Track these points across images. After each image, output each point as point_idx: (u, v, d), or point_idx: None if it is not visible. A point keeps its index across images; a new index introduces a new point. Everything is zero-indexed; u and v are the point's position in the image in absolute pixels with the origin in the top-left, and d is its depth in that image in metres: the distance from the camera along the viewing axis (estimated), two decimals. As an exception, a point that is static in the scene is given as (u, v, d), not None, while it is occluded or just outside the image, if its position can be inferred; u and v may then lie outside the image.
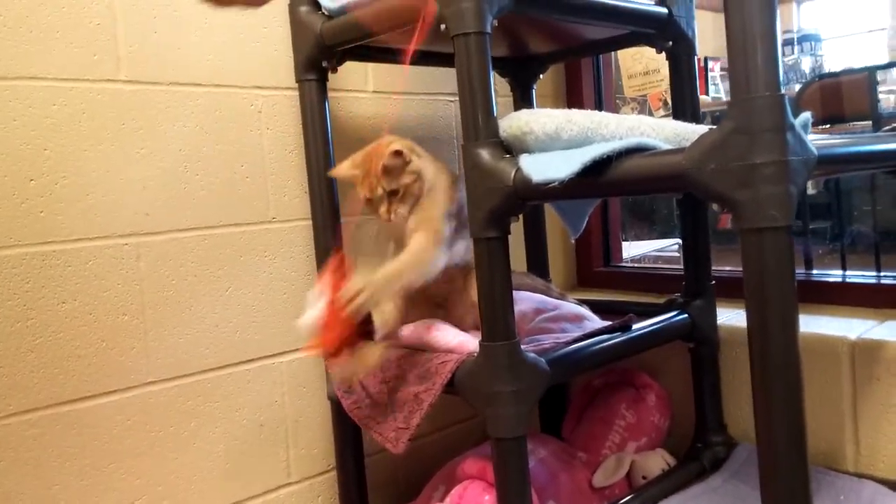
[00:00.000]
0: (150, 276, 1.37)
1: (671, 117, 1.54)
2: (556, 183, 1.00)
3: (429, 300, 1.39)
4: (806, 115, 0.91)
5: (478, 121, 1.12)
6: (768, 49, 0.82)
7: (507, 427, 1.16)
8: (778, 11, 0.83)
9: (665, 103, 2.25)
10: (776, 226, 0.84)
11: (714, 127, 0.89)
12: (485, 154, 1.12)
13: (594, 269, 2.12)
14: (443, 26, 1.13)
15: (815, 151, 0.87)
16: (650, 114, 2.32)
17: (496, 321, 1.15)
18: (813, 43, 4.06)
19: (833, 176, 1.93)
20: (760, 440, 0.88)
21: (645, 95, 2.19)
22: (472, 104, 1.12)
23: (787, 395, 0.86)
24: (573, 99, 2.09)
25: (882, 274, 1.69)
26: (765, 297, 0.85)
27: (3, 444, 1.23)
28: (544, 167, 1.03)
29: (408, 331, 1.35)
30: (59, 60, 1.27)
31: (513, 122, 1.12)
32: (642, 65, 2.16)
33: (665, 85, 2.14)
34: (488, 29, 1.10)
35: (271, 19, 1.51)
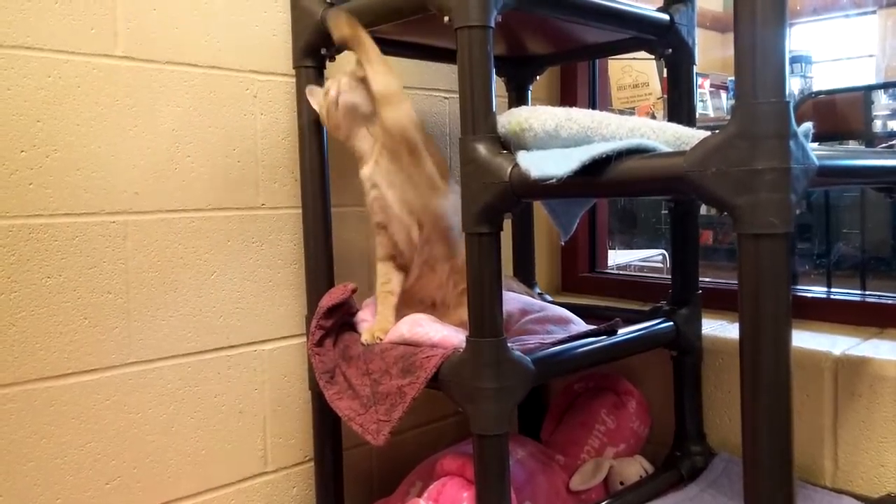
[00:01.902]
0: (136, 255, 1.35)
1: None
2: (555, 180, 1.00)
3: (419, 303, 1.40)
4: (807, 125, 0.91)
5: (477, 115, 1.11)
6: (776, 55, 0.82)
7: (489, 424, 1.15)
8: (787, 16, 0.83)
9: (653, 117, 2.25)
10: (774, 232, 0.84)
11: (717, 131, 0.89)
12: (482, 148, 1.11)
13: (579, 274, 2.12)
14: (446, 18, 1.12)
15: (816, 161, 0.87)
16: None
17: (484, 317, 1.15)
18: (803, 64, 4.07)
19: (829, 187, 1.94)
20: (746, 440, 0.88)
21: (633, 108, 2.20)
22: (471, 98, 1.11)
23: (776, 401, 0.86)
24: (567, 104, 2.07)
25: (867, 292, 1.70)
26: (759, 304, 0.86)
27: (-22, 417, 1.21)
28: (543, 163, 1.03)
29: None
30: (56, 31, 1.25)
31: (512, 118, 1.11)
32: (632, 77, 2.16)
33: (653, 99, 2.15)
34: (492, 23, 1.10)
35: (272, 3, 1.49)
